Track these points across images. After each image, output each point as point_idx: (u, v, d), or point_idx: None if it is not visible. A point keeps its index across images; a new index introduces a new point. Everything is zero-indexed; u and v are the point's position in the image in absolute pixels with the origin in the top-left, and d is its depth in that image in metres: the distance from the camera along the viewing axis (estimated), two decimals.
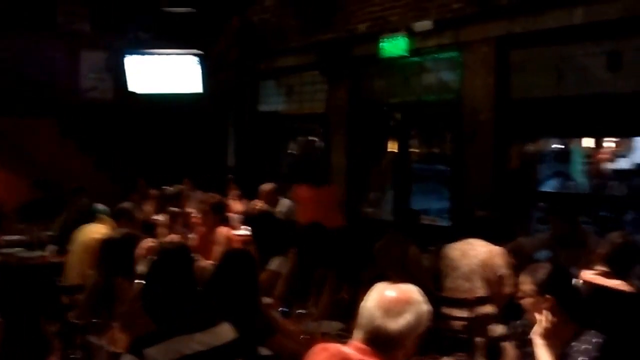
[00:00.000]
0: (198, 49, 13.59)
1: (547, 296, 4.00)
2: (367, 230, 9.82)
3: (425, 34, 9.63)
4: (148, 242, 7.02)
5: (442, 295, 6.59)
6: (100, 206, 8.73)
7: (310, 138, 14.32)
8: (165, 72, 13.57)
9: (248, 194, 11.72)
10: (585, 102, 8.21)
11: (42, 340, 3.74)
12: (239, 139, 14.89)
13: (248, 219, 9.10)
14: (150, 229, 9.58)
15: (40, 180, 11.45)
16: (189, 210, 10.01)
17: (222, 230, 7.86)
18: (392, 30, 9.99)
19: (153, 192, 11.76)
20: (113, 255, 5.52)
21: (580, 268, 5.83)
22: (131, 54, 13.46)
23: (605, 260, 5.30)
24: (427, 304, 3.12)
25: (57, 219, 9.55)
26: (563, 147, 19.02)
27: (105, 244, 5.68)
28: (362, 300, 3.11)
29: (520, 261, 6.89)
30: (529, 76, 8.77)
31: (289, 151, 14.89)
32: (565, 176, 16.47)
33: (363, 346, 3.01)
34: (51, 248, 8.62)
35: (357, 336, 3.06)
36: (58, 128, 13.11)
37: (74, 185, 10.42)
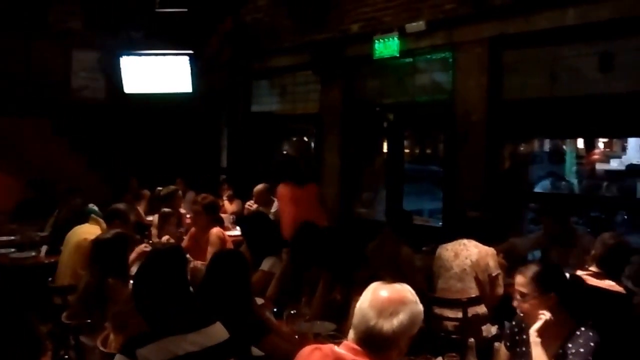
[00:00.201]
0: (191, 49, 13.58)
1: (551, 294, 4.02)
2: (360, 230, 9.84)
3: (418, 35, 9.63)
4: (142, 247, 7.03)
5: (434, 296, 6.60)
6: (93, 207, 8.72)
7: (296, 138, 14.35)
8: (156, 72, 13.55)
9: (241, 195, 11.72)
10: (577, 103, 8.23)
11: (34, 341, 3.71)
12: (232, 139, 14.89)
13: (241, 219, 9.12)
14: (143, 229, 9.59)
15: (33, 180, 11.43)
16: (181, 210, 10.02)
17: (215, 231, 7.84)
18: (385, 30, 10.00)
19: (146, 192, 11.78)
20: (105, 256, 5.51)
21: (571, 267, 5.86)
22: (123, 54, 13.45)
23: (596, 261, 5.31)
24: (421, 304, 3.12)
25: (50, 219, 9.54)
26: (556, 148, 19.10)
27: (97, 245, 5.67)
28: (354, 300, 3.12)
29: (512, 261, 6.93)
30: (521, 77, 8.78)
31: (284, 152, 14.93)
32: (558, 177, 16.55)
33: (356, 347, 3.02)
34: (44, 248, 8.60)
35: (351, 336, 3.07)
36: (50, 127, 13.07)
37: (66, 185, 10.39)
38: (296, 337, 4.68)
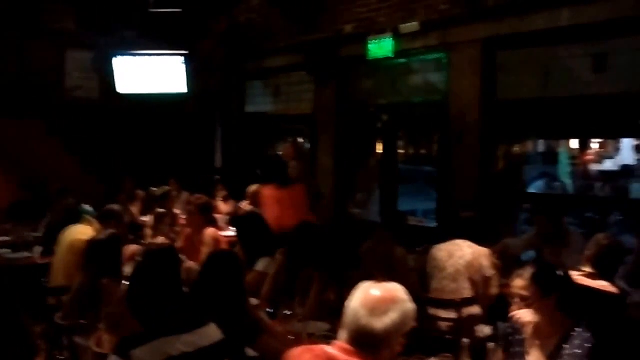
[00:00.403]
0: (185, 49, 13.57)
1: (551, 297, 4.02)
2: (354, 230, 9.84)
3: (412, 35, 9.63)
4: (131, 248, 7.03)
5: (428, 296, 6.61)
6: (86, 207, 8.71)
7: (287, 139, 14.34)
8: (150, 72, 13.55)
9: (235, 195, 11.71)
10: (571, 103, 8.24)
11: (27, 342, 3.71)
12: (226, 140, 14.88)
13: (235, 220, 9.10)
14: (137, 230, 9.58)
15: (27, 181, 11.41)
16: (176, 211, 10.01)
17: (209, 232, 7.84)
18: (379, 31, 10.00)
19: (140, 193, 11.76)
20: (99, 256, 5.51)
21: (564, 267, 5.86)
22: (117, 54, 13.44)
23: (591, 262, 5.32)
24: (412, 302, 3.12)
25: (44, 219, 9.52)
26: (549, 148, 19.10)
27: (91, 245, 5.67)
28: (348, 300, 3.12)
29: (506, 262, 6.94)
30: (515, 77, 8.79)
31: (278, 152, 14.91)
32: (552, 177, 16.55)
33: (348, 347, 3.02)
34: (38, 249, 8.59)
35: (342, 336, 3.07)
36: (44, 128, 13.05)
37: (59, 185, 10.38)
38: (290, 337, 4.68)
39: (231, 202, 11.78)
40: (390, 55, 9.82)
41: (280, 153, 13.42)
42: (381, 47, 9.89)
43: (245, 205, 10.35)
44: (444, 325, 6.46)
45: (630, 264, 6.65)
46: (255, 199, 10.07)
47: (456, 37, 9.19)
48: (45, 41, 13.26)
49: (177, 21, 13.24)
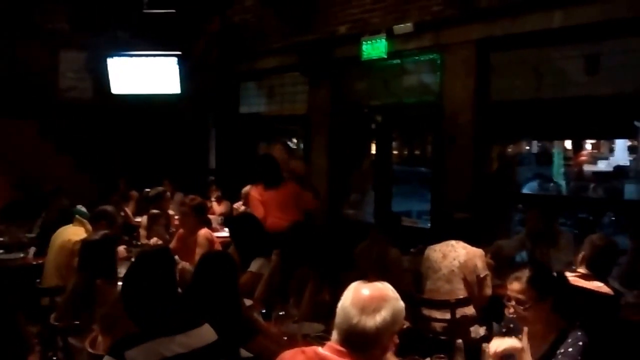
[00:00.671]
0: (178, 50, 13.58)
1: (548, 299, 4.03)
2: (348, 231, 9.85)
3: (406, 36, 9.64)
4: (121, 248, 7.03)
5: (422, 297, 6.62)
6: (80, 208, 8.70)
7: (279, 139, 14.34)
8: (144, 73, 13.55)
9: (229, 196, 11.72)
10: (564, 104, 8.26)
11: (22, 340, 3.71)
12: (220, 141, 14.89)
13: (229, 220, 9.09)
14: (131, 230, 9.58)
15: (21, 181, 11.40)
16: (170, 212, 10.01)
17: (203, 232, 7.83)
18: (372, 32, 10.00)
19: (134, 193, 11.77)
20: (93, 257, 5.49)
21: (554, 267, 5.88)
22: (111, 54, 13.43)
23: (585, 263, 5.33)
24: (402, 301, 3.13)
25: (38, 220, 9.52)
26: (543, 149, 19.14)
27: (85, 246, 5.65)
28: None
29: (499, 263, 6.95)
30: (508, 79, 8.80)
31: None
32: (545, 178, 16.58)
33: (340, 347, 3.02)
34: (32, 250, 8.58)
35: (334, 337, 3.07)
36: (37, 128, 13.04)
37: (54, 186, 10.37)
38: (285, 338, 4.69)
39: (225, 203, 11.79)
40: (384, 56, 9.82)
41: (268, 153, 13.45)
42: (375, 48, 9.90)
43: (239, 206, 10.36)
44: (438, 326, 6.46)
45: (625, 265, 6.68)
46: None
47: (450, 38, 9.21)
48: (38, 42, 13.26)
49: (170, 22, 13.25)
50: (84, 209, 8.38)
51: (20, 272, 7.93)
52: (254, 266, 6.47)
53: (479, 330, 6.45)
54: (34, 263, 8.08)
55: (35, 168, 12.21)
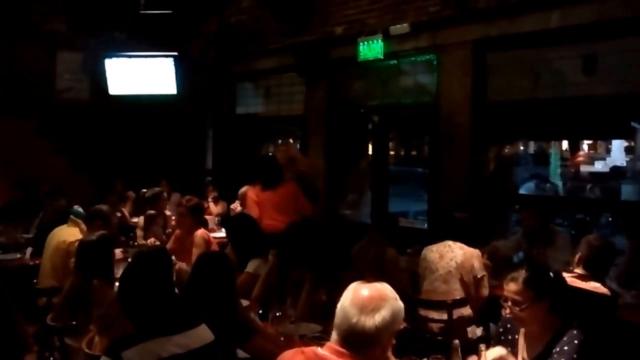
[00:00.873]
0: (175, 51, 13.57)
1: (545, 300, 4.03)
2: (345, 231, 9.84)
3: (403, 37, 9.64)
4: (118, 251, 7.03)
5: (419, 298, 6.61)
6: (77, 208, 8.69)
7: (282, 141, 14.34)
8: (141, 74, 13.54)
9: (226, 196, 11.70)
10: (561, 105, 8.26)
11: (20, 341, 3.71)
12: (217, 141, 14.87)
13: (226, 221, 9.09)
14: (128, 231, 9.57)
15: (19, 181, 11.38)
16: (167, 212, 10.00)
17: (200, 233, 7.83)
18: (369, 32, 10.01)
19: (130, 194, 11.76)
20: (90, 258, 5.49)
21: (551, 267, 5.89)
22: (108, 55, 13.43)
23: (582, 263, 5.33)
24: (401, 301, 3.13)
25: (35, 220, 9.51)
26: (540, 150, 19.14)
27: (82, 246, 5.65)
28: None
29: (496, 264, 6.95)
30: (505, 79, 8.81)
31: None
32: (542, 179, 16.59)
33: (339, 348, 3.03)
34: (28, 250, 8.57)
35: (334, 337, 3.08)
36: (35, 128, 13.02)
37: (51, 186, 10.36)
38: (282, 338, 4.68)
39: (222, 204, 11.78)
40: (381, 56, 9.82)
41: (270, 154, 13.42)
42: (371, 49, 9.90)
43: (236, 207, 10.35)
44: (435, 326, 6.46)
45: (622, 266, 6.68)
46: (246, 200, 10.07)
47: (446, 39, 9.21)
48: (36, 42, 13.23)
49: (167, 22, 13.23)
50: (80, 209, 8.37)
51: (17, 273, 7.92)
52: (251, 267, 6.47)
53: (475, 331, 6.45)
54: (31, 263, 8.08)
55: (32, 168, 12.19)
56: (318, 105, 11.55)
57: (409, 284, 6.86)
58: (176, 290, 4.14)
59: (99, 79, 13.52)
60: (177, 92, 13.62)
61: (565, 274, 5.09)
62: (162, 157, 13.90)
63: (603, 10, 7.45)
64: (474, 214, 7.89)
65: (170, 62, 13.57)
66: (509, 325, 4.30)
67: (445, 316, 6.34)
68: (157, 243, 8.51)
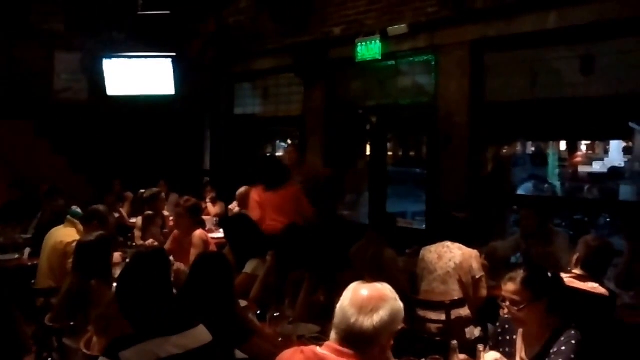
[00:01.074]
0: (173, 51, 13.57)
1: (543, 300, 4.03)
2: (343, 232, 9.84)
3: (400, 38, 9.64)
4: (117, 255, 7.03)
5: (417, 298, 6.61)
6: (76, 209, 8.69)
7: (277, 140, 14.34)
8: (139, 75, 13.54)
9: (224, 197, 11.71)
10: (559, 105, 8.26)
11: (19, 342, 3.71)
12: (215, 142, 14.88)
13: (223, 221, 9.08)
14: (126, 231, 9.57)
15: (17, 181, 11.38)
16: (165, 213, 10.00)
17: (198, 233, 7.82)
18: (367, 33, 10.01)
19: (128, 194, 11.76)
20: (88, 258, 5.49)
21: (549, 267, 5.89)
22: (106, 56, 13.43)
23: (580, 264, 5.33)
24: (400, 301, 3.14)
25: (33, 220, 9.50)
26: (538, 150, 19.18)
27: (80, 247, 5.65)
28: (338, 302, 3.13)
29: (494, 264, 6.95)
30: (503, 79, 8.81)
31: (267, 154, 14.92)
32: (540, 179, 16.63)
33: (339, 347, 3.03)
34: (27, 251, 8.56)
35: (333, 337, 3.09)
36: (33, 129, 13.02)
37: (49, 186, 10.36)
38: (280, 339, 4.68)
39: (220, 204, 11.79)
40: (379, 57, 9.83)
41: (275, 154, 13.44)
42: (369, 50, 9.90)
43: (234, 207, 10.35)
44: (433, 327, 6.46)
45: (621, 266, 6.69)
46: (244, 201, 10.06)
47: (444, 40, 9.22)
48: (33, 43, 13.24)
49: (165, 23, 13.23)
50: (78, 210, 8.37)
51: (15, 273, 7.92)
52: (249, 267, 6.47)
53: (474, 332, 6.45)
54: (29, 264, 8.08)
55: (30, 168, 12.20)
56: (316, 105, 11.55)
57: (408, 285, 6.85)
58: (174, 291, 4.14)
59: (97, 79, 13.53)
60: (175, 92, 13.64)
61: (563, 275, 5.09)
62: (160, 157, 13.90)
63: (601, 10, 7.45)
64: (472, 215, 7.88)
65: (168, 62, 13.58)
66: (507, 326, 4.30)
67: (443, 317, 6.34)
68: (155, 243, 8.51)
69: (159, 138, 14.14)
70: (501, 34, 8.51)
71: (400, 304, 3.13)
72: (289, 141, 14.57)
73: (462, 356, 4.10)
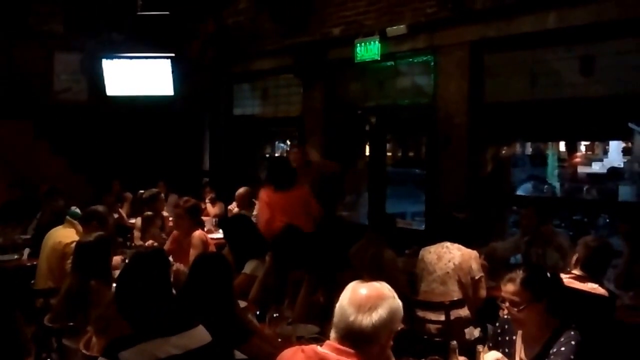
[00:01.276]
0: (173, 52, 13.58)
1: (543, 301, 4.03)
2: (342, 233, 9.84)
3: (400, 38, 9.64)
4: (117, 258, 7.03)
5: (417, 299, 6.61)
6: (75, 209, 8.68)
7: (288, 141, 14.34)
8: (138, 75, 13.55)
9: (223, 198, 11.71)
10: (559, 106, 8.26)
11: (20, 344, 3.70)
12: (215, 142, 14.89)
13: (222, 222, 9.07)
14: (125, 232, 9.56)
15: (17, 182, 11.38)
16: (164, 213, 9.99)
17: (197, 234, 7.82)
18: (366, 34, 10.01)
19: (128, 195, 11.75)
20: (87, 259, 5.49)
21: (549, 267, 5.89)
22: (105, 56, 13.44)
23: (579, 264, 5.33)
24: (399, 299, 3.14)
25: (33, 221, 9.50)
26: (537, 151, 19.20)
27: (79, 247, 5.64)
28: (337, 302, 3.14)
29: (493, 265, 6.95)
30: (502, 80, 8.81)
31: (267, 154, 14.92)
32: (540, 180, 16.64)
33: (339, 346, 3.04)
34: (26, 251, 8.56)
35: (332, 336, 3.10)
36: (32, 129, 13.03)
37: (48, 186, 10.36)
38: (279, 340, 4.68)
39: (219, 205, 11.78)
40: (378, 58, 9.82)
41: (283, 156, 13.44)
42: (368, 50, 9.90)
43: (233, 208, 10.35)
44: (432, 327, 6.46)
45: (620, 267, 6.69)
46: (243, 202, 10.06)
47: (443, 40, 9.21)
48: (33, 43, 13.26)
49: (165, 24, 13.23)
50: (78, 210, 8.36)
51: (14, 274, 7.91)
52: (248, 268, 6.46)
53: (473, 332, 6.45)
54: (29, 264, 8.07)
55: (30, 169, 12.21)
56: (315, 106, 11.55)
57: (407, 285, 6.85)
58: (173, 291, 4.14)
59: (97, 80, 13.54)
60: (175, 93, 13.65)
61: (562, 275, 5.10)
62: (159, 158, 13.90)
63: (600, 11, 7.45)
64: (471, 215, 7.88)
65: (167, 63, 13.59)
66: (506, 326, 4.30)
67: (442, 317, 6.34)
68: (155, 244, 8.50)
69: (158, 138, 14.15)
70: (501, 34, 8.51)
71: (399, 303, 3.14)
72: (289, 142, 14.56)
73: (461, 358, 4.10)
